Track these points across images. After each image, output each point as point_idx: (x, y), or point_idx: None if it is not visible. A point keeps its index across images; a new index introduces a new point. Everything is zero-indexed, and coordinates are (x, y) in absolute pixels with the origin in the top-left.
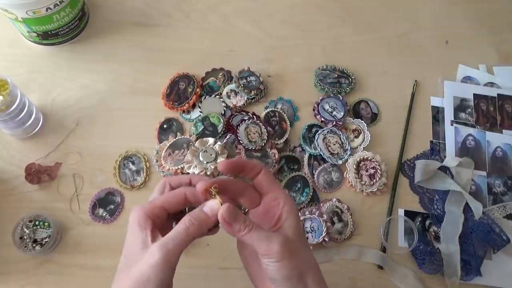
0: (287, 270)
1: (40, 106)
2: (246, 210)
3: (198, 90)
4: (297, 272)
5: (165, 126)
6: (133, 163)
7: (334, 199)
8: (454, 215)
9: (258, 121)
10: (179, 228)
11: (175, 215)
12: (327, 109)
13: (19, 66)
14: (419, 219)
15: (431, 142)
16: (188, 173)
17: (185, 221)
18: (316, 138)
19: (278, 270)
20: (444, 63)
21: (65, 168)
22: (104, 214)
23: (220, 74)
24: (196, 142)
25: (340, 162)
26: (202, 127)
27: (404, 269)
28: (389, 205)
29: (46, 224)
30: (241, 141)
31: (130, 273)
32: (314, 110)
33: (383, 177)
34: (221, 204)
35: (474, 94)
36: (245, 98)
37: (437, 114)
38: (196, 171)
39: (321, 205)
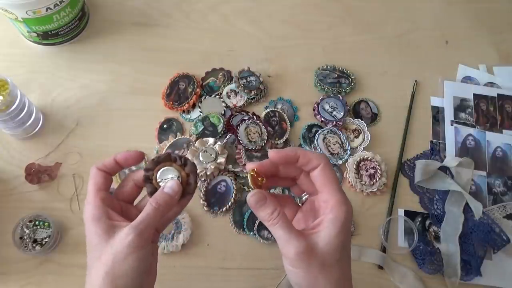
0: (297, 278)
1: (40, 106)
2: (306, 196)
3: (198, 90)
4: (309, 284)
5: (165, 126)
6: None
7: None
8: (454, 215)
9: (258, 121)
10: (148, 210)
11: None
12: (327, 109)
13: (19, 66)
14: (419, 219)
15: (431, 142)
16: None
17: (152, 203)
18: (316, 138)
19: (288, 274)
20: (444, 63)
21: (65, 168)
22: None
23: (220, 74)
24: (196, 142)
25: (340, 162)
26: (202, 127)
27: (404, 269)
28: (389, 205)
29: (46, 224)
30: (241, 141)
31: (102, 260)
32: (314, 110)
33: (383, 177)
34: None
35: (474, 94)
36: (245, 98)
37: (437, 114)
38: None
39: None
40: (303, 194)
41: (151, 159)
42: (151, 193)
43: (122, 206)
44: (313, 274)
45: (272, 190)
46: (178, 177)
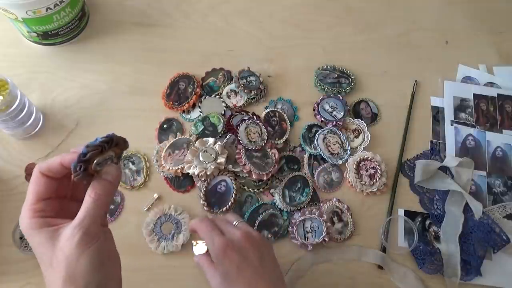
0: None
1: (40, 106)
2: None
3: (198, 90)
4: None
5: (165, 126)
6: (133, 163)
7: (334, 199)
8: (454, 215)
9: (258, 121)
10: (88, 203)
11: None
12: (327, 109)
13: (19, 66)
14: (419, 219)
15: (431, 142)
16: (188, 173)
17: (91, 195)
18: (316, 138)
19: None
20: (444, 63)
21: None
22: None
23: (220, 74)
24: (196, 142)
25: (340, 162)
26: (202, 127)
27: (404, 269)
28: (389, 205)
29: None
30: (241, 141)
31: (55, 266)
32: (314, 110)
33: (383, 177)
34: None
35: (474, 94)
36: (245, 98)
37: (437, 114)
38: (196, 171)
39: (321, 205)
40: None
41: (81, 157)
42: (88, 184)
43: (58, 203)
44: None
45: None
46: (111, 158)
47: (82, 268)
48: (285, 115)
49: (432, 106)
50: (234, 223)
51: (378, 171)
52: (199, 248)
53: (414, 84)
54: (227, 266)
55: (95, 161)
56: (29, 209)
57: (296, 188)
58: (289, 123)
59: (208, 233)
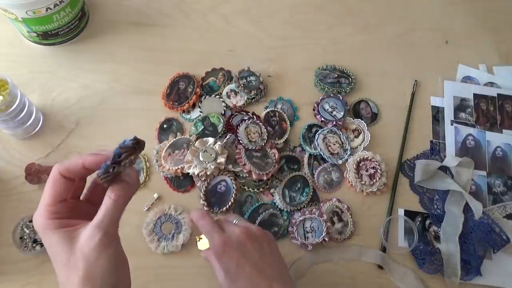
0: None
1: (40, 106)
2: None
3: (198, 90)
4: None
5: (165, 126)
6: None
7: (334, 199)
8: (454, 215)
9: (258, 121)
10: (108, 204)
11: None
12: (327, 109)
13: (19, 66)
14: (419, 219)
15: (431, 142)
16: (188, 173)
17: (111, 196)
18: (316, 138)
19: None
20: (444, 63)
21: None
22: None
23: (220, 74)
24: (196, 142)
25: (340, 162)
26: (202, 127)
27: (404, 269)
28: (389, 205)
29: None
30: (241, 141)
31: (72, 266)
32: (314, 110)
33: (383, 177)
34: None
35: (474, 94)
36: (245, 98)
37: (437, 114)
38: (196, 171)
39: (321, 205)
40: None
41: (116, 158)
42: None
43: (72, 204)
44: (234, 259)
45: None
46: (131, 160)
47: (100, 269)
48: (285, 115)
49: (432, 106)
50: (234, 221)
51: (378, 171)
52: (203, 243)
53: (414, 84)
54: (227, 263)
55: (122, 163)
56: (46, 210)
57: (296, 188)
58: (289, 123)
59: (208, 230)
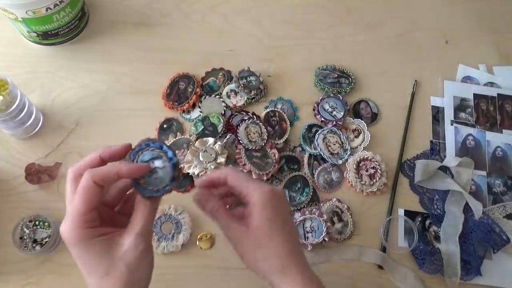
0: (243, 258)
1: (40, 106)
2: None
3: (198, 90)
4: (251, 261)
5: (165, 126)
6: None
7: (334, 199)
8: (454, 215)
9: (258, 121)
10: (146, 211)
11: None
12: (327, 109)
13: (19, 66)
14: (419, 219)
15: (431, 142)
16: (188, 173)
17: (147, 203)
18: (316, 138)
19: (240, 256)
20: (444, 63)
21: (65, 168)
22: None
23: (220, 74)
24: (196, 142)
25: (340, 162)
26: (202, 127)
27: (404, 269)
28: (389, 205)
29: (46, 224)
30: (241, 141)
31: (111, 274)
32: (314, 110)
33: (383, 177)
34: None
35: (474, 94)
36: (245, 98)
37: (437, 114)
38: (196, 171)
39: (321, 205)
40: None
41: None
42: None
43: (101, 210)
44: (252, 252)
45: None
46: (171, 161)
47: (141, 275)
48: (285, 115)
49: (432, 106)
50: None
51: (378, 171)
52: (204, 242)
53: (414, 84)
54: (272, 211)
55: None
56: (80, 219)
57: (296, 188)
58: (289, 123)
59: (248, 178)
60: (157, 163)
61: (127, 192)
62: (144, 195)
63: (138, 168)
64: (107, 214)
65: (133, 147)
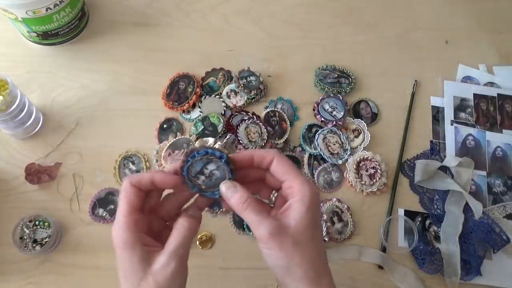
0: (272, 259)
1: (40, 106)
2: (275, 195)
3: (198, 90)
4: (284, 262)
5: (165, 126)
6: (133, 163)
7: (334, 199)
8: (454, 215)
9: (258, 121)
10: (182, 232)
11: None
12: (327, 109)
13: (19, 66)
14: (419, 219)
15: (431, 142)
16: None
17: (184, 223)
18: (316, 138)
19: (265, 257)
20: (444, 63)
21: (65, 168)
22: (104, 214)
23: (220, 74)
24: (196, 142)
25: (340, 162)
26: (202, 127)
27: (404, 269)
28: (389, 205)
29: (46, 224)
30: (241, 141)
31: (142, 287)
32: (314, 110)
33: (383, 177)
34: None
35: (474, 94)
36: (245, 98)
37: (437, 114)
38: None
39: (321, 205)
40: (272, 195)
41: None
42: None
43: (147, 219)
44: (287, 253)
45: None
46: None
47: None
48: (285, 115)
49: (432, 106)
50: None
51: (378, 171)
52: (204, 243)
53: (414, 84)
54: (314, 214)
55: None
56: (124, 221)
57: None
58: (289, 123)
59: (299, 173)
60: (211, 167)
61: (181, 208)
62: (215, 197)
63: (170, 179)
64: (158, 227)
65: (179, 165)
